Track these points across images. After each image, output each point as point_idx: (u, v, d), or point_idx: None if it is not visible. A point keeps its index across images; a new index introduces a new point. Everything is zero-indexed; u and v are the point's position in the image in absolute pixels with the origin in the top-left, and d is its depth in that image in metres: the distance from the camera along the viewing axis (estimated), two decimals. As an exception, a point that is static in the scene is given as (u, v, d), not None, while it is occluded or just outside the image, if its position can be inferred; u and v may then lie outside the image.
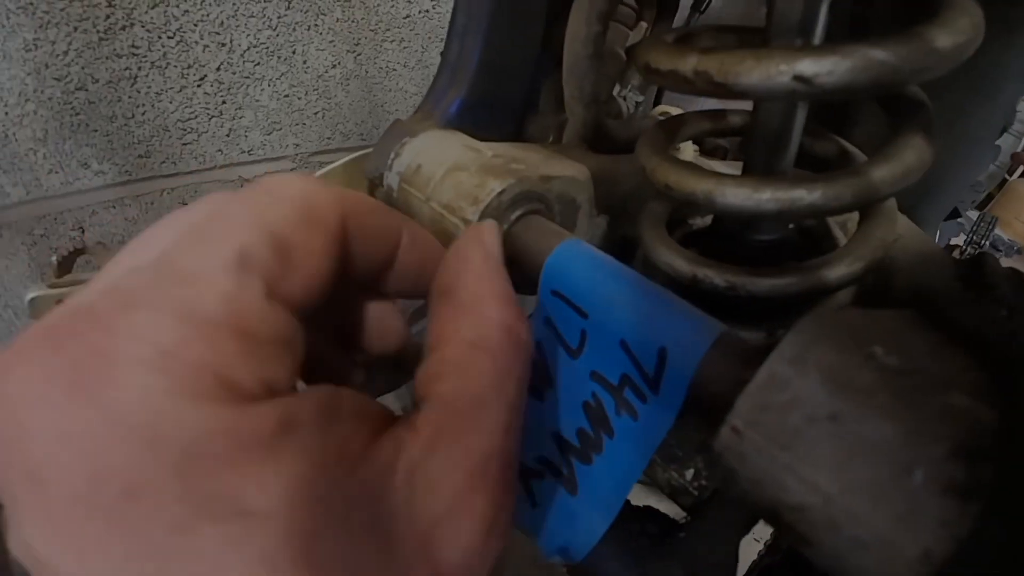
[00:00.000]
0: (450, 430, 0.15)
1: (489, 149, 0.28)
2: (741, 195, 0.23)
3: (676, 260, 0.28)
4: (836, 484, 0.14)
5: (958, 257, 0.31)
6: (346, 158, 0.41)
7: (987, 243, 1.28)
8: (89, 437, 0.11)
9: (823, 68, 0.20)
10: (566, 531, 0.21)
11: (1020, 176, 1.72)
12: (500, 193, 0.25)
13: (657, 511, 0.29)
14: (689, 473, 0.29)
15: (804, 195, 0.23)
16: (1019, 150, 1.66)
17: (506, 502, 0.16)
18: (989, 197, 1.71)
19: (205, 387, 0.12)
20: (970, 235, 1.33)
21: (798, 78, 0.20)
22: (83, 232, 0.59)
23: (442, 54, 0.38)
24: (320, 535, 0.12)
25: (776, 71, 0.20)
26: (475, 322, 0.17)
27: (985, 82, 0.43)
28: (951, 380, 0.15)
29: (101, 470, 0.11)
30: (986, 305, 0.23)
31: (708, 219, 0.36)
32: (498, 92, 0.38)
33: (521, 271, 0.24)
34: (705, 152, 0.49)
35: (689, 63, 0.21)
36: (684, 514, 0.30)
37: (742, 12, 1.04)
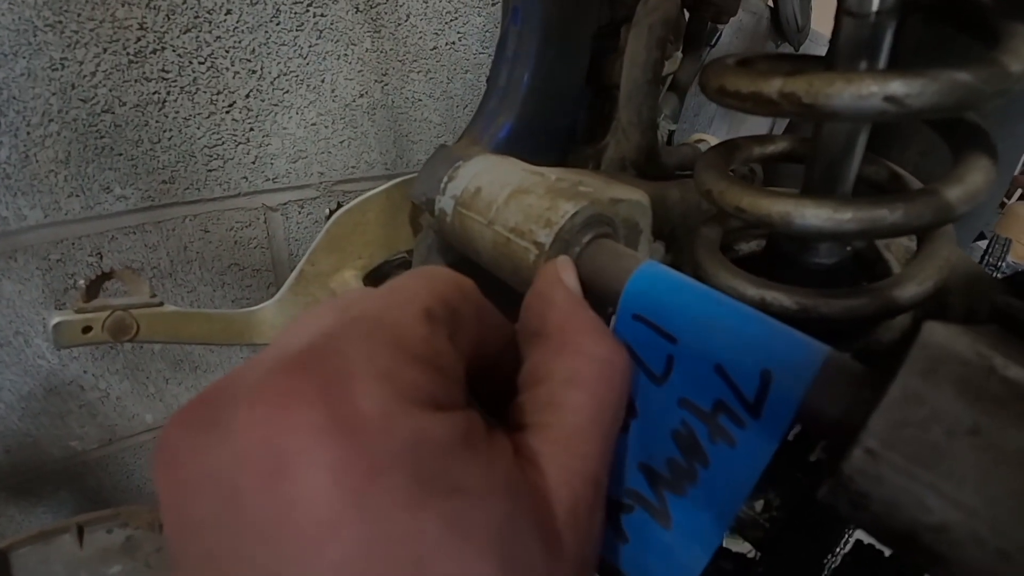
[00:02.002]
0: (551, 458, 0.17)
1: (551, 173, 0.28)
2: (823, 216, 0.23)
3: (741, 284, 0.27)
4: (979, 498, 0.14)
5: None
6: (388, 184, 0.41)
7: (1003, 264, 1.30)
8: (338, 430, 0.13)
9: (913, 89, 0.20)
10: (663, 567, 0.20)
11: (1019, 199, 1.77)
12: (573, 216, 0.24)
13: (728, 548, 0.28)
14: (758, 505, 0.28)
15: (886, 215, 0.23)
16: (1017, 172, 1.70)
17: (599, 524, 0.18)
18: (986, 219, 1.75)
19: (419, 397, 0.14)
20: (986, 257, 1.35)
21: (889, 99, 0.20)
22: (101, 258, 0.58)
23: (488, 80, 0.39)
24: (511, 516, 0.14)
25: (868, 92, 0.20)
26: (568, 360, 0.19)
27: (1015, 107, 0.44)
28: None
29: (350, 455, 0.12)
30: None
31: (754, 244, 0.36)
32: (546, 119, 0.38)
33: (594, 295, 0.24)
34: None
35: (774, 85, 0.22)
36: (750, 548, 0.29)
37: (746, 46, 1.07)
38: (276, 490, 0.12)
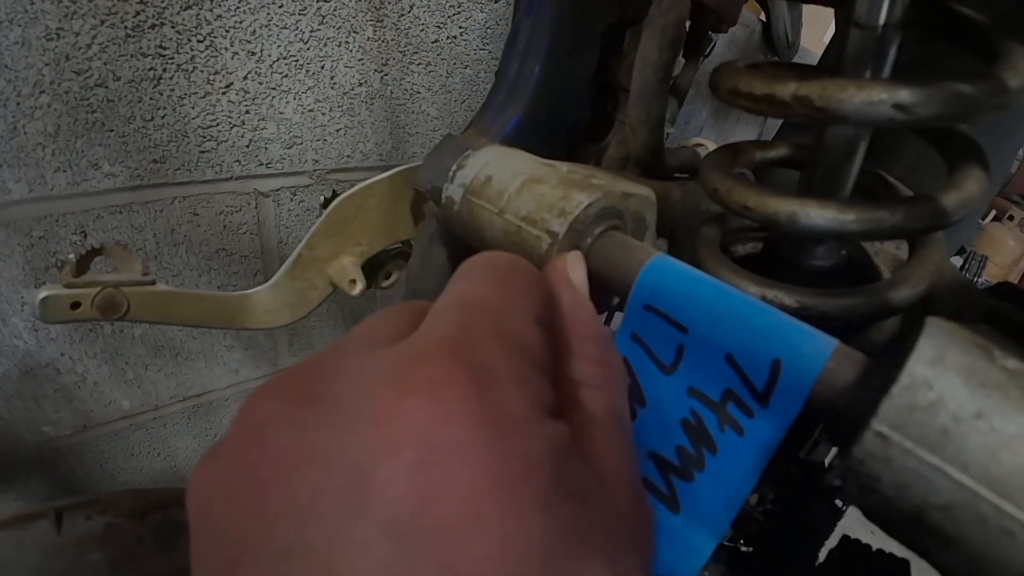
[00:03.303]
0: (600, 455, 0.17)
1: (562, 165, 0.29)
2: (827, 215, 0.24)
3: (742, 282, 0.28)
4: (983, 479, 0.15)
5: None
6: (392, 171, 0.41)
7: (979, 280, 1.34)
8: (496, 428, 0.13)
9: (920, 98, 0.21)
10: (671, 552, 0.20)
11: (993, 220, 1.84)
12: (587, 207, 0.25)
13: (721, 542, 0.28)
14: (753, 499, 0.29)
15: (887, 216, 0.24)
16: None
17: (647, 508, 0.18)
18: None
19: (545, 404, 0.15)
20: (963, 272, 1.39)
21: (897, 106, 0.21)
22: (85, 236, 0.57)
23: (497, 72, 0.39)
24: (609, 517, 0.15)
25: (878, 99, 0.21)
26: (577, 364, 0.19)
27: (1001, 126, 0.46)
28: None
29: (508, 454, 0.13)
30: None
31: (750, 247, 0.37)
32: (554, 114, 0.39)
33: (603, 286, 0.24)
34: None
35: (788, 88, 0.22)
36: (741, 542, 0.30)
37: (738, 58, 1.09)
38: (421, 480, 0.12)
